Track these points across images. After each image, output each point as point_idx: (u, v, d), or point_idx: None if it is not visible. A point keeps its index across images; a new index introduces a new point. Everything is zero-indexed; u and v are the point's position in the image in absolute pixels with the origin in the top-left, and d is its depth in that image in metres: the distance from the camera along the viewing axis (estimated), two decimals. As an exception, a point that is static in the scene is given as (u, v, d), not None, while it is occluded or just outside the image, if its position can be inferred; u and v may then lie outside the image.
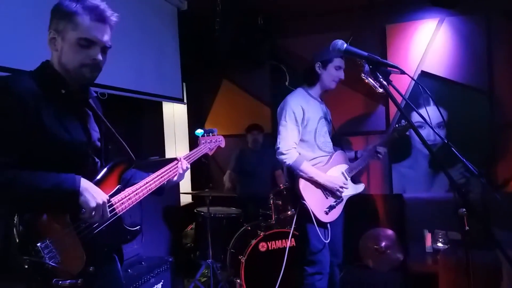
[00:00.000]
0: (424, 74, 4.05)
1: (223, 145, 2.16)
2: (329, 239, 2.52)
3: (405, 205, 4.12)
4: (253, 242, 3.12)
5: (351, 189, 2.66)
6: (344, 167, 2.68)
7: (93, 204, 1.31)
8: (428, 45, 4.02)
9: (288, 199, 3.34)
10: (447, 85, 3.98)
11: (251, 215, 3.64)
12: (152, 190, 1.59)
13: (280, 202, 3.38)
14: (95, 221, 1.36)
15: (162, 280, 2.80)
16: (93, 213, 1.32)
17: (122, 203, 1.47)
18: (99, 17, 1.36)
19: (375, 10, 4.15)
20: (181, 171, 1.72)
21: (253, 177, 4.06)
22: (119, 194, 1.47)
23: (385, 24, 4.14)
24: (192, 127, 4.56)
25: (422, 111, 4.04)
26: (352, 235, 3.95)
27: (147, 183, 1.57)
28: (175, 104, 4.28)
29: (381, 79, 1.51)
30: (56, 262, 1.28)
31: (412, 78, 1.68)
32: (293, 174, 2.54)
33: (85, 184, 1.32)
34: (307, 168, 2.47)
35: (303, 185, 2.50)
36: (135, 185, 1.54)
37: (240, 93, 4.68)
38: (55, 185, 1.27)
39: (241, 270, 3.06)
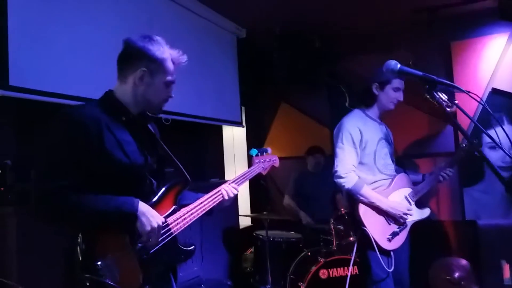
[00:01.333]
0: (495, 92, 3.78)
1: (277, 164, 2.13)
2: (392, 267, 2.38)
3: (480, 232, 3.79)
4: (314, 268, 3.03)
5: (416, 214, 2.51)
6: (407, 190, 2.54)
7: (149, 227, 1.40)
8: (498, 61, 3.77)
9: (350, 224, 3.23)
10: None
11: (311, 240, 3.56)
12: (206, 210, 1.65)
13: (341, 227, 3.27)
14: (151, 243, 1.43)
15: (221, 304, 2.80)
16: (149, 235, 1.41)
17: (177, 223, 1.55)
18: (177, 62, 1.58)
19: (438, 27, 3.98)
20: (226, 197, 1.74)
21: (313, 200, 3.98)
22: (175, 215, 1.55)
23: (449, 41, 3.95)
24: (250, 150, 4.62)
25: (496, 130, 3.78)
26: (420, 264, 3.73)
27: (201, 203, 1.64)
28: (234, 127, 4.38)
29: (442, 100, 1.42)
30: (115, 281, 1.34)
31: (477, 99, 1.56)
32: (353, 198, 2.45)
33: (142, 207, 1.42)
34: (367, 192, 2.38)
35: (363, 210, 2.40)
36: (189, 206, 1.61)
37: (298, 115, 4.68)
38: (116, 208, 1.37)
39: (300, 297, 2.99)
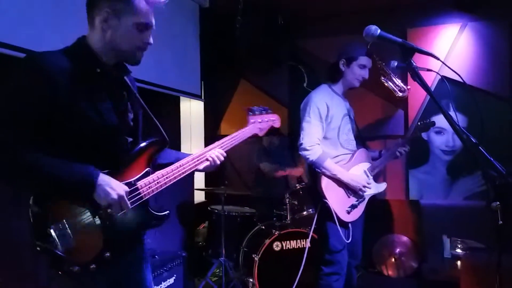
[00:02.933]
0: (444, 80, 3.98)
1: (277, 124, 1.94)
2: (350, 239, 2.46)
3: (422, 211, 4.05)
4: (268, 241, 3.07)
5: (373, 188, 2.61)
6: (366, 165, 2.63)
7: (108, 200, 1.29)
8: (449, 50, 3.97)
9: (304, 199, 3.30)
10: (468, 91, 3.91)
11: (265, 215, 3.60)
12: (186, 174, 1.53)
13: (296, 202, 3.33)
14: (114, 213, 1.33)
15: (175, 275, 2.76)
16: (110, 207, 1.31)
17: (149, 187, 1.42)
18: (152, 0, 1.36)
19: (397, 13, 4.11)
20: (213, 163, 1.62)
21: (268, 176, 4.02)
22: (147, 178, 1.43)
23: (406, 27, 4.10)
24: (208, 125, 4.53)
25: (442, 116, 4.01)
26: (366, 240, 3.91)
27: (180, 166, 1.52)
28: (192, 101, 4.26)
29: (414, 68, 1.46)
30: (68, 248, 1.26)
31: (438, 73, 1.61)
32: (315, 171, 2.49)
33: (102, 178, 1.29)
34: (330, 165, 2.43)
35: (325, 183, 2.45)
36: (165, 168, 1.48)
37: (257, 93, 4.64)
38: (71, 176, 1.25)
39: (254, 269, 3.01)
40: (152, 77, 3.07)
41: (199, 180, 4.42)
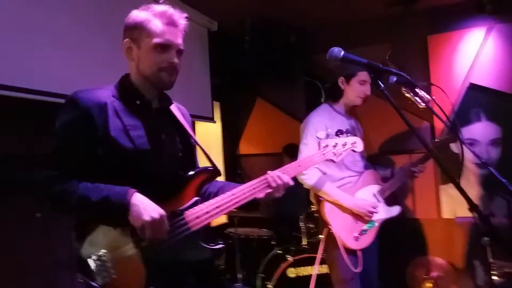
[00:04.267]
0: (473, 87, 3.71)
1: (359, 148, 1.78)
2: (360, 268, 2.28)
3: (457, 230, 3.73)
4: (281, 267, 2.94)
5: (383, 212, 2.42)
6: (375, 187, 2.46)
7: (141, 221, 1.23)
8: (476, 56, 3.69)
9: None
10: (500, 98, 3.60)
11: (284, 237, 3.47)
12: (240, 204, 1.42)
13: (312, 225, 3.18)
14: (151, 238, 1.25)
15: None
16: (143, 230, 1.24)
17: (197, 217, 1.35)
18: (170, 20, 1.37)
19: (415, 20, 3.90)
20: (274, 185, 1.46)
21: (287, 197, 3.88)
22: (196, 207, 1.36)
23: (426, 34, 3.87)
24: (226, 146, 4.50)
25: (473, 127, 3.73)
26: (399, 262, 3.66)
27: (232, 195, 1.41)
28: (210, 123, 4.26)
29: (386, 91, 1.33)
30: (109, 281, 1.23)
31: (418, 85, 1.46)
32: (318, 196, 2.36)
33: (137, 198, 1.26)
34: (330, 190, 2.28)
35: (328, 208, 2.31)
36: (217, 198, 1.40)
37: (274, 111, 4.56)
38: (104, 199, 1.24)
39: (269, 297, 2.90)
40: None
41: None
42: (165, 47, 1.36)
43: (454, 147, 3.78)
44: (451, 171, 1.40)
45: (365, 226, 2.34)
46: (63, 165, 1.30)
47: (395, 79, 2.30)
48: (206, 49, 3.68)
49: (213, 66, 3.88)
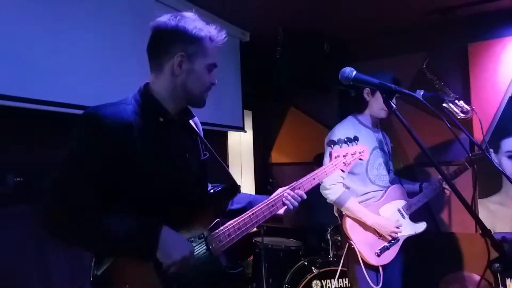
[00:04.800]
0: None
1: (365, 157, 1.76)
2: (380, 285, 2.24)
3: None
4: (306, 279, 2.94)
5: (408, 229, 2.36)
6: (401, 203, 2.40)
7: (173, 258, 1.19)
8: (519, 64, 3.50)
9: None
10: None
11: (312, 249, 3.46)
12: (259, 223, 1.40)
13: (339, 238, 3.15)
14: (179, 274, 1.21)
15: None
16: (174, 269, 1.20)
17: (219, 241, 1.31)
18: (218, 40, 1.34)
19: (454, 28, 3.77)
20: (291, 207, 1.46)
21: (315, 209, 3.87)
22: (217, 230, 1.32)
23: (466, 42, 3.72)
24: (258, 154, 4.55)
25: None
26: (432, 277, 3.54)
27: (253, 214, 1.38)
28: (242, 132, 4.33)
29: (397, 112, 1.31)
30: None
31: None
32: (340, 211, 2.34)
33: (166, 235, 1.19)
34: (353, 206, 2.26)
35: (350, 223, 2.29)
36: (237, 219, 1.36)
37: (307, 120, 4.56)
38: (131, 235, 1.16)
39: (292, 308, 2.90)
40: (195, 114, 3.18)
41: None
42: (214, 67, 1.34)
43: (495, 159, 3.60)
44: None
45: (386, 243, 2.29)
46: (82, 193, 1.15)
47: (422, 93, 2.25)
48: (238, 60, 3.75)
49: (245, 76, 3.95)
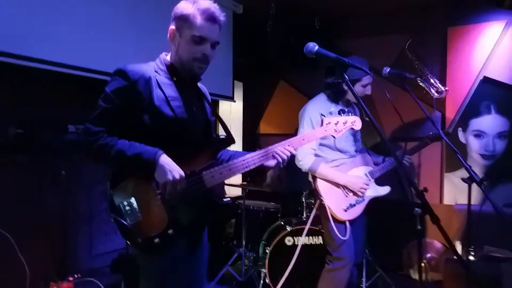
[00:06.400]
0: (486, 80, 3.78)
1: (357, 126, 1.96)
2: (347, 236, 2.55)
3: (456, 217, 3.89)
4: (280, 235, 3.24)
5: (373, 190, 2.66)
6: (367, 169, 2.69)
7: (165, 178, 1.49)
8: (492, 50, 3.74)
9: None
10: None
11: (291, 211, 3.76)
12: (249, 168, 1.65)
13: (313, 200, 3.45)
14: (170, 193, 1.51)
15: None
16: (166, 186, 1.50)
17: (212, 176, 1.61)
18: (210, 17, 1.58)
19: (436, 12, 3.99)
20: (279, 159, 1.68)
21: (294, 175, 4.15)
22: (211, 169, 1.62)
23: (446, 26, 3.94)
24: (247, 124, 4.79)
25: (483, 119, 3.82)
26: (396, 243, 3.88)
27: (243, 161, 1.65)
28: (232, 102, 4.56)
29: (350, 84, 1.55)
30: (136, 221, 1.52)
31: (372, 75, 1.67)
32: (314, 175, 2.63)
33: (163, 159, 1.51)
34: (324, 170, 2.55)
35: (320, 183, 2.58)
36: (229, 162, 1.66)
37: (295, 94, 4.78)
38: (137, 154, 1.49)
39: (266, 261, 3.22)
40: None
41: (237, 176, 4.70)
42: (201, 40, 1.58)
43: (463, 138, 3.90)
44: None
45: (353, 201, 2.59)
46: (108, 124, 1.52)
47: (388, 70, 2.50)
48: (230, 31, 3.93)
49: (237, 48, 4.14)
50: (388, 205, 3.96)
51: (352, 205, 2.59)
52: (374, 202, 2.80)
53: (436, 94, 3.99)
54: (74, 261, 2.70)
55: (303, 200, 3.45)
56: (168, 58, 1.69)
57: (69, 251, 2.69)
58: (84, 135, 1.55)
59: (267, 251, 3.23)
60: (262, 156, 1.67)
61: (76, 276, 2.46)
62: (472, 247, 3.21)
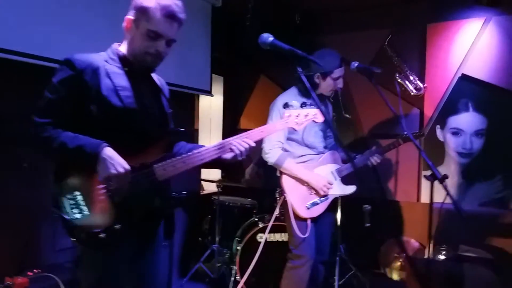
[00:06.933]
0: (464, 78, 3.75)
1: (319, 119, 1.87)
2: (307, 234, 2.52)
3: (433, 215, 3.86)
4: (252, 232, 3.21)
5: (338, 189, 2.63)
6: (334, 166, 2.66)
7: (108, 172, 1.44)
8: (471, 47, 3.71)
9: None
10: (489, 90, 3.64)
11: (267, 207, 3.73)
12: (204, 161, 1.61)
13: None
14: (115, 187, 1.48)
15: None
16: (109, 180, 1.46)
17: (164, 169, 1.56)
18: (169, 14, 1.54)
19: (415, 8, 3.94)
20: (237, 151, 1.65)
21: (271, 171, 4.12)
22: (163, 162, 1.57)
23: (426, 22, 3.90)
24: (227, 119, 4.75)
25: (461, 116, 3.79)
26: (373, 240, 3.86)
27: (198, 153, 1.61)
28: (211, 97, 4.51)
29: (303, 76, 1.52)
30: (79, 216, 1.47)
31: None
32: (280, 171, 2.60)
33: (106, 152, 1.46)
34: (289, 165, 2.52)
35: (285, 179, 2.55)
36: (184, 155, 1.60)
37: (276, 89, 4.70)
38: (79, 147, 1.45)
39: (236, 258, 3.19)
40: (160, 75, 3.32)
41: (216, 171, 4.67)
42: (157, 35, 1.54)
43: (440, 135, 3.88)
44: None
45: (317, 199, 2.56)
46: (54, 115, 1.48)
47: (356, 65, 2.46)
48: (208, 25, 3.88)
49: (217, 41, 4.08)
50: (364, 202, 3.98)
51: (315, 203, 2.56)
52: (350, 199, 2.79)
53: (414, 91, 3.96)
54: (37, 256, 2.66)
55: (277, 197, 3.41)
56: (120, 48, 1.64)
57: (32, 246, 2.65)
58: (29, 127, 1.50)
59: (238, 247, 3.20)
60: (219, 149, 1.64)
61: (35, 271, 2.41)
62: (444, 246, 3.19)
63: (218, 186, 3.59)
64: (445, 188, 1.99)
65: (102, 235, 1.47)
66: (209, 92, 4.00)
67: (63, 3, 2.59)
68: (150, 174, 1.54)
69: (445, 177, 2.00)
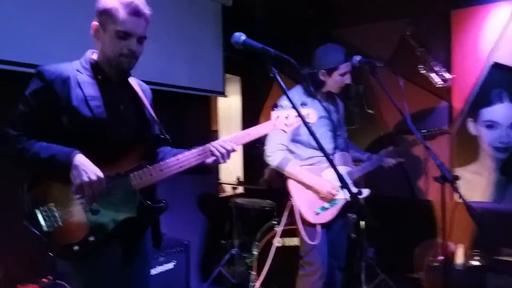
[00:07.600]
0: (497, 66, 3.45)
1: (312, 119, 1.79)
2: (316, 241, 2.39)
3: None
4: (268, 236, 3.12)
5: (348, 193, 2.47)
6: (344, 169, 2.51)
7: (79, 180, 1.42)
8: (502, 33, 3.40)
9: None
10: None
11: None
12: (184, 168, 1.57)
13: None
14: (88, 196, 1.45)
15: (175, 261, 2.99)
16: (81, 188, 1.43)
17: (140, 178, 1.53)
18: (133, 11, 1.51)
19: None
20: (217, 154, 1.61)
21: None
22: (140, 171, 1.53)
23: (449, 9, 3.62)
24: (245, 121, 4.68)
25: (494, 108, 3.49)
26: (407, 243, 3.65)
27: (177, 160, 1.57)
28: (231, 96, 4.46)
29: (277, 77, 1.41)
30: (52, 229, 1.45)
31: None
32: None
33: (79, 159, 1.44)
34: (292, 169, 2.40)
35: (292, 183, 2.44)
36: (162, 163, 1.56)
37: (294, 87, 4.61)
38: (51, 156, 1.44)
39: (254, 263, 3.11)
40: (168, 78, 3.29)
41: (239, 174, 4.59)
42: (126, 35, 1.51)
43: (473, 129, 3.60)
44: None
45: (326, 204, 2.42)
46: (26, 127, 1.48)
47: (358, 59, 2.31)
48: (219, 24, 3.80)
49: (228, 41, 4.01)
50: (394, 202, 3.77)
51: (324, 208, 2.43)
52: (378, 199, 2.60)
53: (440, 82, 3.70)
54: (49, 263, 2.69)
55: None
56: (94, 56, 1.61)
57: (45, 253, 2.68)
58: (2, 140, 1.51)
59: (255, 252, 3.12)
60: (199, 155, 1.60)
61: (48, 278, 2.45)
62: (477, 251, 2.94)
63: (234, 188, 3.52)
64: (456, 189, 1.82)
65: (76, 248, 1.46)
66: (222, 93, 3.93)
67: (47, 8, 2.47)
68: (125, 184, 1.51)
69: (457, 178, 1.83)
